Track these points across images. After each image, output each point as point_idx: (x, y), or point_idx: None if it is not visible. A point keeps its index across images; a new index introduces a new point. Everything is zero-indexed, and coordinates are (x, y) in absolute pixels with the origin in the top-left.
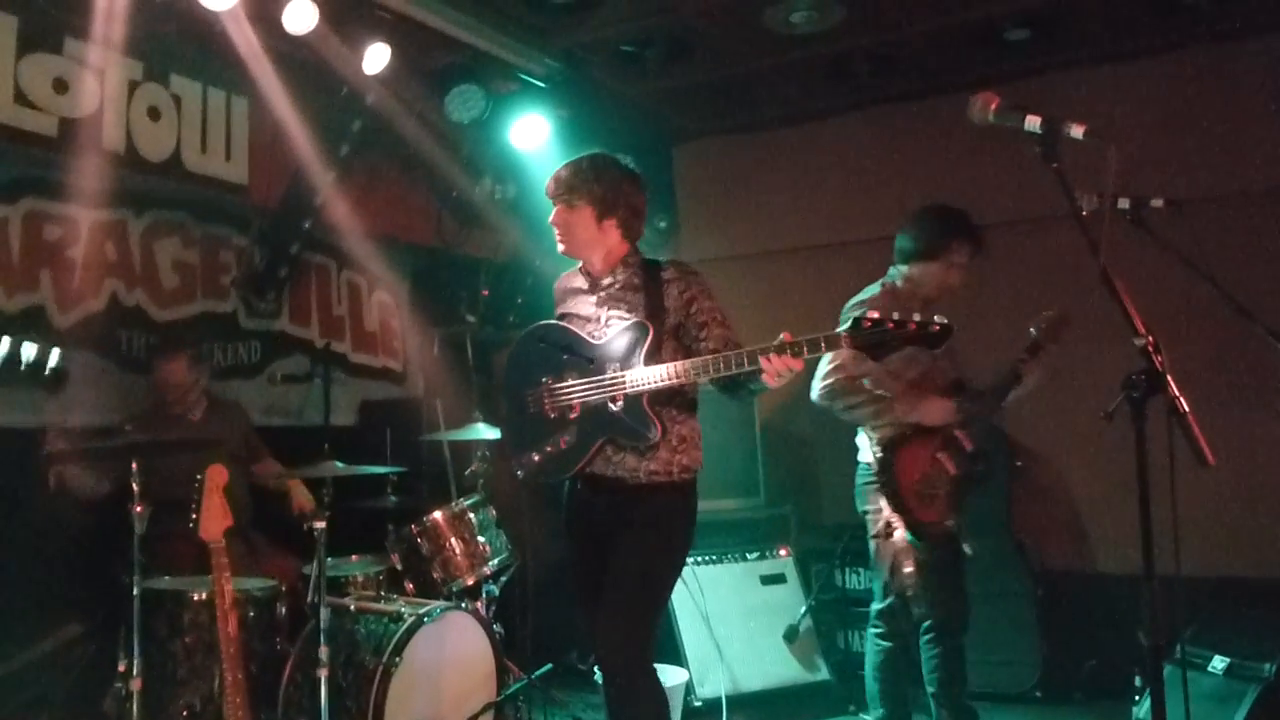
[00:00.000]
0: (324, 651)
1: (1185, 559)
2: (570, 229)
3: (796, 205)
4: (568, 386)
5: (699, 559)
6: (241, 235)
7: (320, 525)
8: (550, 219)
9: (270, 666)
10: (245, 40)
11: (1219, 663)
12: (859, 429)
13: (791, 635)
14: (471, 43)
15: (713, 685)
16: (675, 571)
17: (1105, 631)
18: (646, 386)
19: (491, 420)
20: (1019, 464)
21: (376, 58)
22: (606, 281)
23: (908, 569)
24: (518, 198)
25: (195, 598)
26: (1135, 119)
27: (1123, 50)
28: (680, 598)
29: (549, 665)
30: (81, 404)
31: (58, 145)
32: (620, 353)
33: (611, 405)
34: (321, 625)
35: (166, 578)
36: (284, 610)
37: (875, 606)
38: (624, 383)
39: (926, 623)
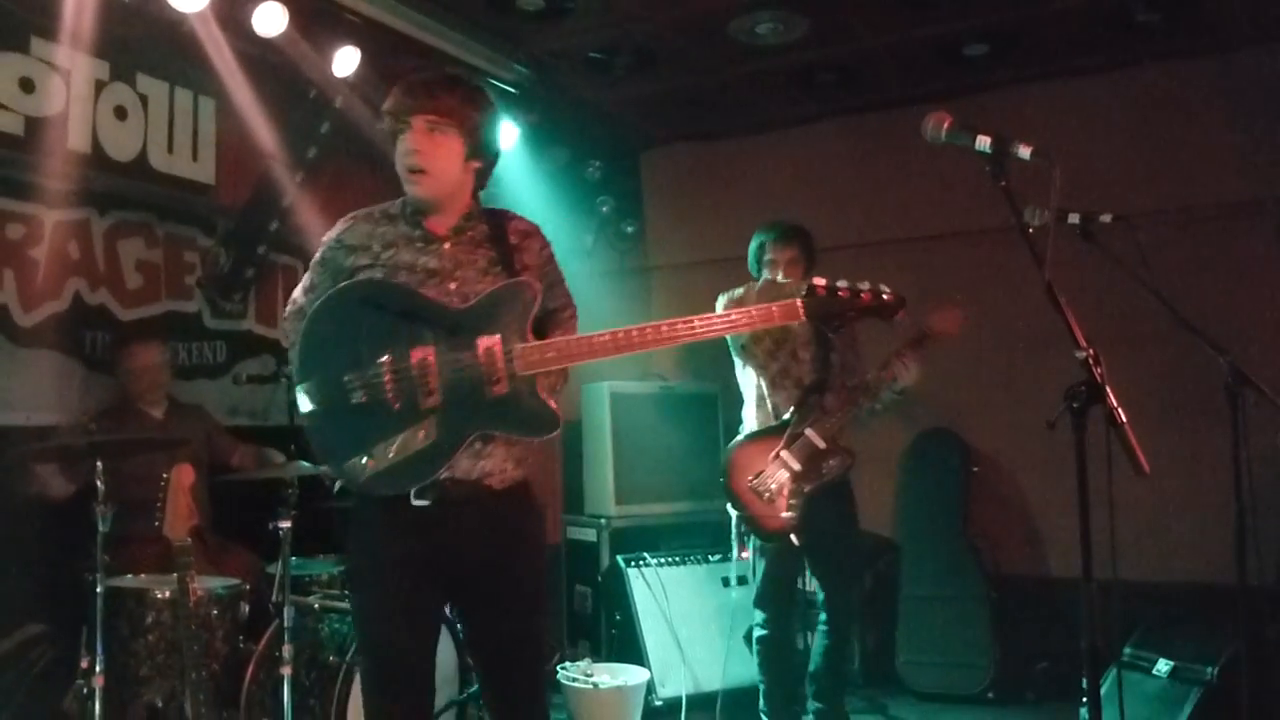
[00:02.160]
0: (287, 650)
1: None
2: (436, 159)
3: (763, 212)
4: (420, 366)
5: (661, 560)
6: (207, 236)
7: (285, 525)
8: (408, 141)
9: (233, 665)
10: (213, 42)
11: (1163, 666)
12: None
13: (751, 637)
14: (440, 47)
15: (674, 685)
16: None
17: (1057, 634)
18: (542, 369)
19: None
20: (975, 469)
21: (346, 61)
22: (458, 226)
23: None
24: (485, 201)
25: (159, 596)
26: (1089, 134)
27: (1077, 67)
28: (643, 598)
29: None
30: (45, 403)
31: (23, 144)
32: (498, 321)
33: (490, 389)
34: (285, 624)
35: (129, 576)
36: (247, 609)
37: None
38: (513, 362)
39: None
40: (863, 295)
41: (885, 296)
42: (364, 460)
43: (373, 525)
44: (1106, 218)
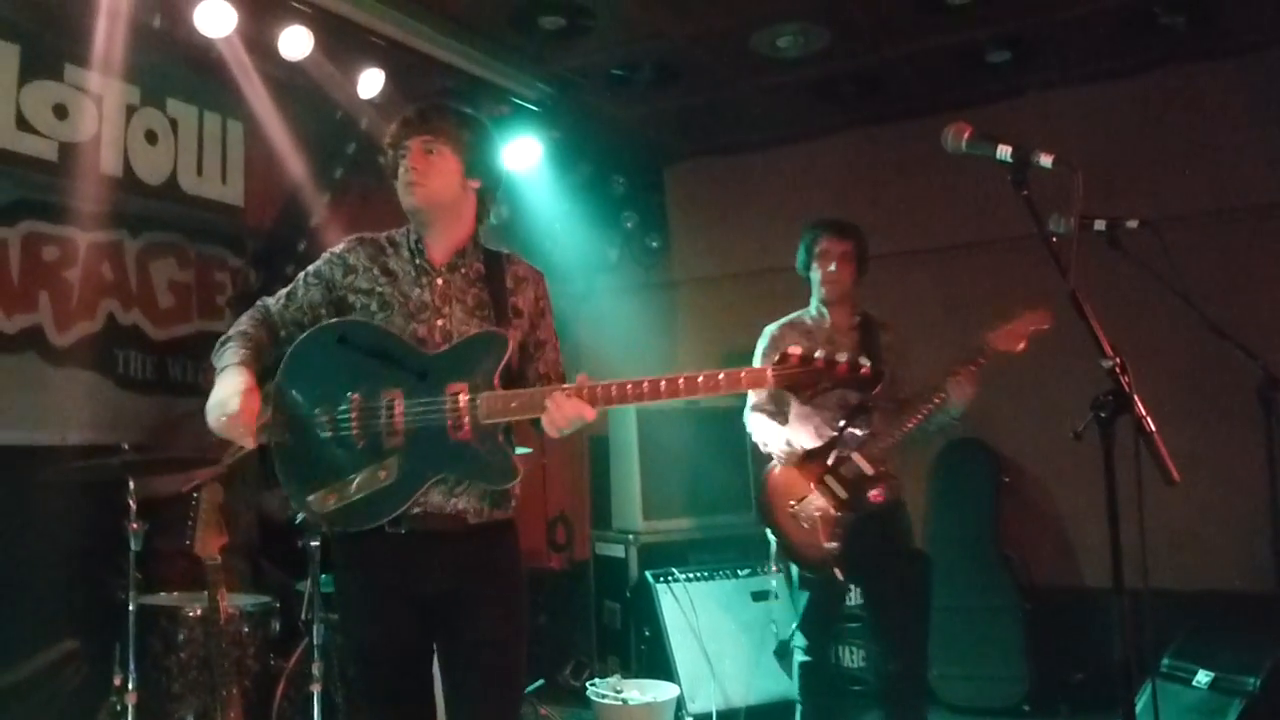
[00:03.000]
0: (317, 667)
1: (1166, 573)
2: (431, 173)
3: (787, 224)
4: (387, 407)
5: (690, 575)
6: (237, 256)
7: (315, 543)
8: (406, 161)
9: (265, 682)
10: (241, 66)
11: (1203, 677)
12: None
13: (783, 651)
14: (464, 68)
15: (704, 700)
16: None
17: (1092, 646)
18: (505, 419)
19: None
20: (1006, 480)
21: (371, 83)
22: (452, 263)
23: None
24: (511, 219)
25: (190, 614)
26: (1113, 139)
27: (1100, 71)
28: (671, 613)
29: (540, 681)
30: (79, 423)
31: (57, 169)
32: (467, 369)
33: (452, 435)
34: (315, 641)
35: (162, 593)
36: (278, 626)
37: (795, 623)
38: (477, 410)
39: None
40: (838, 367)
41: (862, 370)
42: (325, 494)
43: (352, 551)
44: (1133, 223)
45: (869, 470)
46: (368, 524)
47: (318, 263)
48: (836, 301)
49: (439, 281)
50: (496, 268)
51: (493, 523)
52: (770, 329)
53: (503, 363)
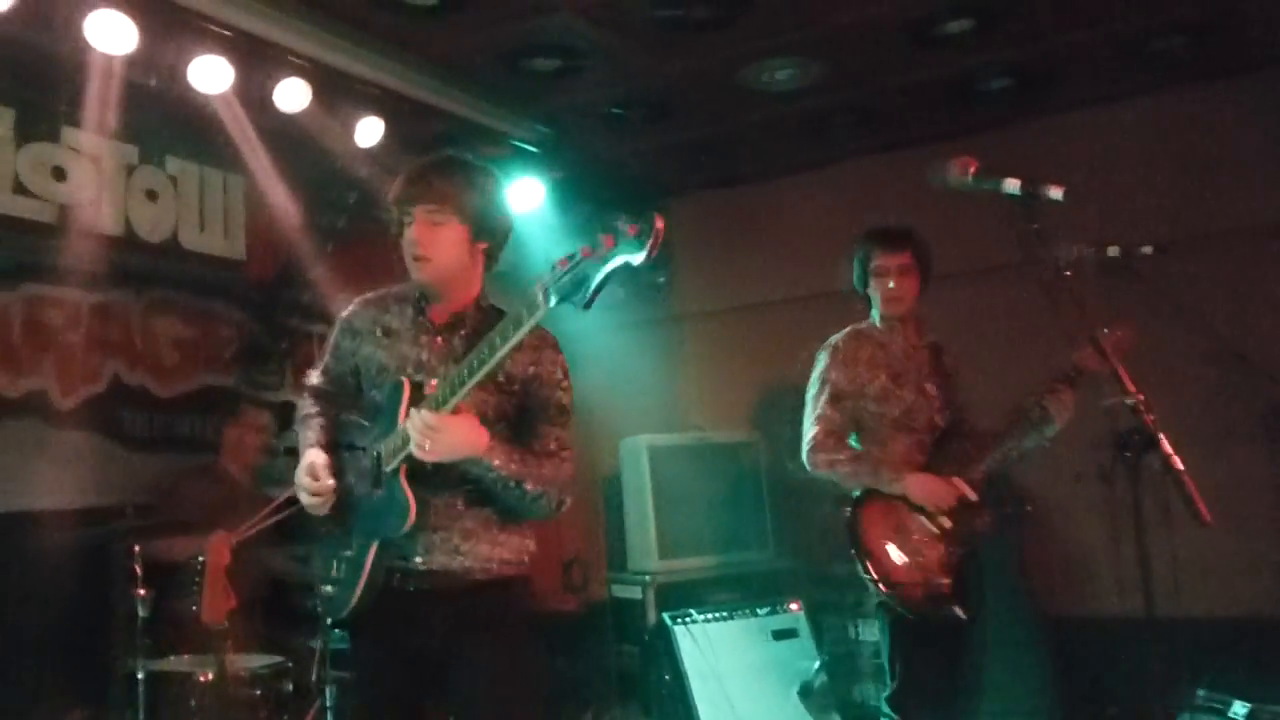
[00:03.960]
0: None
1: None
2: (438, 247)
3: (788, 256)
4: (339, 484)
5: (709, 616)
6: (241, 310)
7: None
8: (411, 232)
9: None
10: (238, 121)
11: (1240, 709)
12: None
13: (806, 692)
14: (461, 113)
15: None
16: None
17: (1121, 677)
18: (397, 459)
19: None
20: (1028, 508)
21: (370, 131)
22: (453, 324)
23: (887, 643)
24: (514, 262)
25: (200, 679)
26: (1117, 164)
27: (1102, 96)
28: (691, 655)
29: None
30: (83, 486)
31: (57, 231)
32: (389, 424)
33: (373, 494)
34: (327, 703)
35: (171, 658)
36: (291, 687)
37: (886, 692)
38: (381, 461)
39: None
40: (606, 243)
41: (629, 229)
42: (326, 589)
43: (373, 623)
44: (1147, 249)
45: (972, 496)
46: (340, 614)
47: (333, 332)
48: (902, 318)
49: (437, 340)
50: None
51: (501, 579)
52: (835, 340)
53: (403, 404)
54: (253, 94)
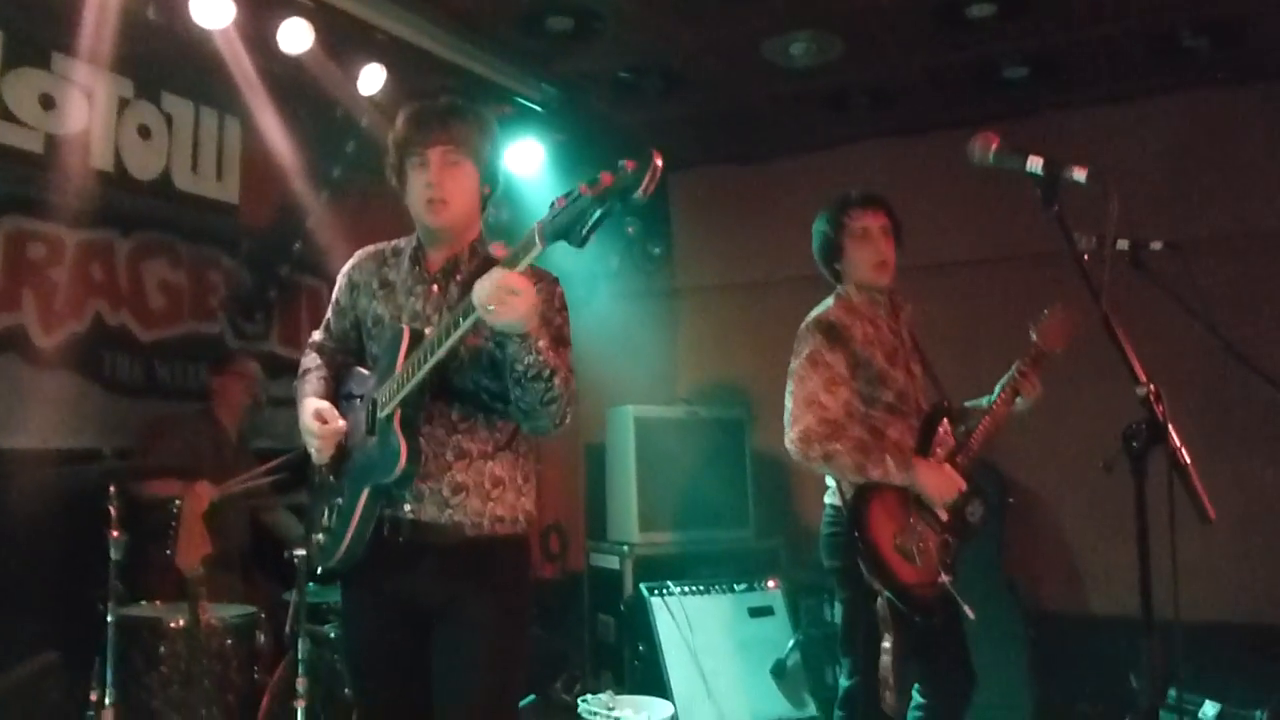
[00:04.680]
0: (301, 683)
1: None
2: (456, 189)
3: (793, 236)
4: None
5: (686, 589)
6: (231, 256)
7: (301, 552)
8: (427, 174)
9: (249, 697)
10: (238, 60)
11: (1210, 709)
12: None
13: (780, 670)
14: (468, 66)
15: (699, 719)
16: (526, 665)
17: (1099, 674)
18: (392, 403)
19: None
20: (1011, 501)
21: (372, 79)
22: (448, 270)
23: (885, 645)
24: (511, 222)
25: (172, 625)
26: (1134, 160)
27: (1122, 92)
28: (667, 628)
29: (532, 696)
30: (62, 427)
31: (44, 163)
32: (389, 373)
33: (368, 439)
34: (300, 656)
35: (144, 604)
36: (264, 639)
37: (843, 683)
38: (377, 409)
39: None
40: (603, 181)
41: (628, 165)
42: (314, 537)
43: (367, 571)
44: (1157, 245)
45: (962, 485)
46: (336, 565)
47: (336, 288)
48: (886, 287)
49: (433, 289)
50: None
51: (494, 537)
52: (828, 316)
53: (402, 350)
54: (254, 33)
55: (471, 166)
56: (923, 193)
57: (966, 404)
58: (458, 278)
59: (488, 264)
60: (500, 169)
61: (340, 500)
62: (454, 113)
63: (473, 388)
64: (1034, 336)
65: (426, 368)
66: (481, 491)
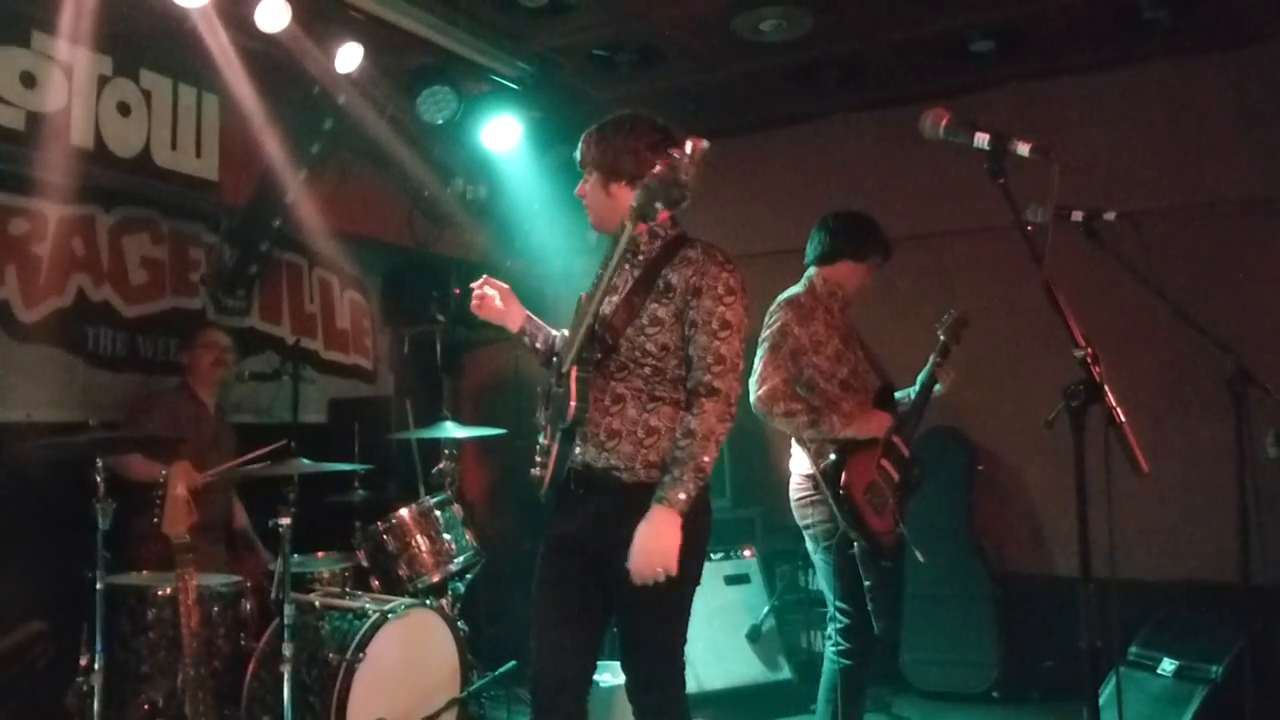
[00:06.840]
0: (287, 648)
1: (1136, 563)
2: (587, 200)
3: (764, 211)
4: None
5: None
6: (211, 232)
7: (285, 522)
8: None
9: (234, 663)
10: (216, 37)
11: (1168, 665)
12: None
13: (755, 635)
14: (443, 44)
15: None
16: (693, 586)
17: (1062, 633)
18: (567, 360)
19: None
20: (980, 467)
21: (349, 57)
22: (625, 248)
23: (866, 583)
24: (489, 198)
25: (159, 593)
26: (1096, 131)
27: (1085, 63)
28: None
29: (513, 663)
30: (46, 400)
31: (24, 139)
32: (572, 333)
33: (557, 389)
34: (285, 621)
35: (132, 573)
36: (250, 606)
37: (836, 625)
38: (561, 367)
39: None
40: None
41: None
42: (534, 471)
43: (555, 507)
44: (1110, 215)
45: (907, 452)
46: (545, 489)
47: None
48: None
49: (614, 262)
50: (671, 249)
51: (647, 483)
52: (799, 296)
53: (583, 316)
54: (232, 10)
55: (589, 172)
56: (892, 165)
57: (896, 394)
58: (633, 254)
59: (671, 245)
60: (626, 156)
61: (543, 441)
62: (583, 139)
63: (635, 353)
64: (942, 336)
65: (583, 329)
66: (635, 439)
